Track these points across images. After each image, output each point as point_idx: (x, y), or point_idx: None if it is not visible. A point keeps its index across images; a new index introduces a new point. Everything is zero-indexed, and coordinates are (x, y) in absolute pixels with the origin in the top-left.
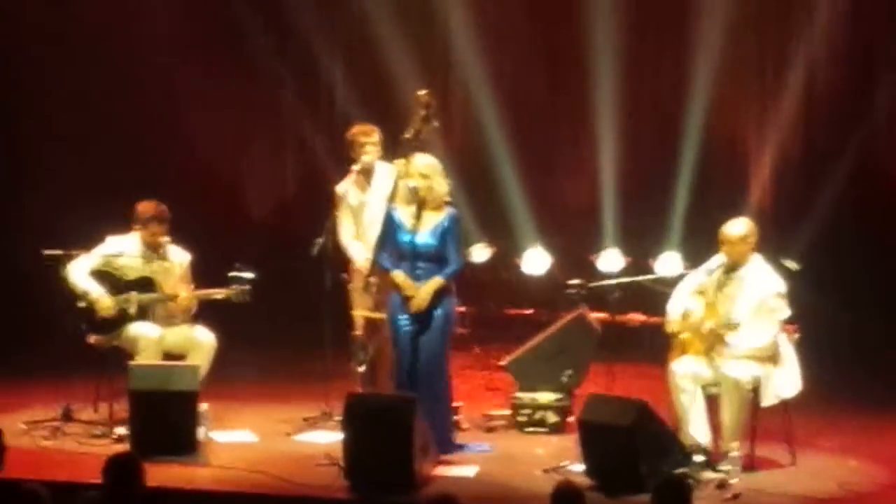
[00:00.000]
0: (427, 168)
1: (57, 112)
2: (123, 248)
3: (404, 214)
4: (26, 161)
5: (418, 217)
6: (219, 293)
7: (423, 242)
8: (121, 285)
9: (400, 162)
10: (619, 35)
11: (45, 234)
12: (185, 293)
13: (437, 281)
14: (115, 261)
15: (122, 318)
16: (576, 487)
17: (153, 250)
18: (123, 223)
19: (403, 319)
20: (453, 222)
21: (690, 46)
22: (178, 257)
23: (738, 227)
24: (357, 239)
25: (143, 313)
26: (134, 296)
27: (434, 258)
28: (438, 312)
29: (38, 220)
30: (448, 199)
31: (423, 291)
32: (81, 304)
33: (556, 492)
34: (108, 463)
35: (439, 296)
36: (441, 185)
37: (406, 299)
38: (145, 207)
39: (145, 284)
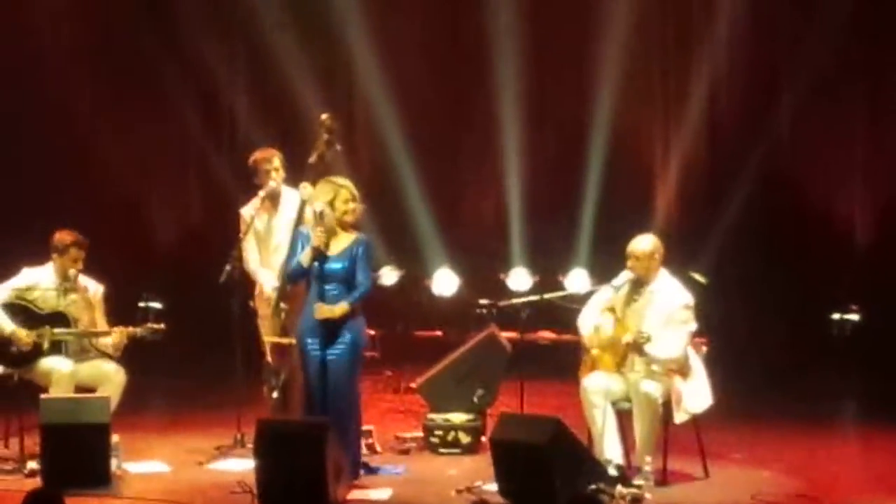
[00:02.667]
0: (335, 190)
1: None
2: (38, 280)
3: (312, 237)
4: None
5: (327, 241)
6: (132, 333)
7: (331, 266)
8: (34, 319)
9: (305, 185)
10: (522, 53)
11: None
12: (102, 326)
13: (343, 306)
14: (29, 294)
15: (34, 352)
16: None
17: (66, 280)
18: (29, 253)
19: (312, 344)
20: (364, 247)
21: (594, 63)
22: (92, 288)
23: (645, 243)
24: (263, 264)
25: (56, 347)
26: (48, 330)
27: (343, 281)
28: (347, 336)
29: None
30: (354, 220)
31: (330, 308)
32: None
33: None
34: (26, 499)
35: (347, 319)
36: (350, 208)
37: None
38: (63, 236)
39: (59, 319)
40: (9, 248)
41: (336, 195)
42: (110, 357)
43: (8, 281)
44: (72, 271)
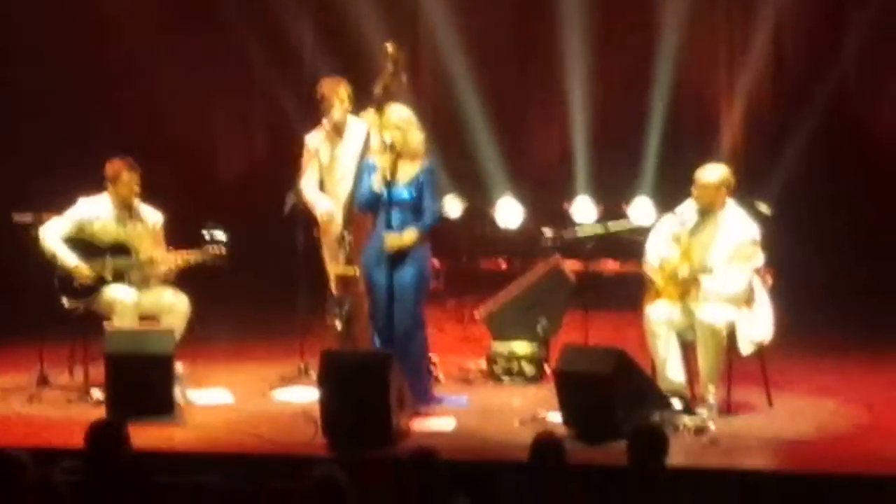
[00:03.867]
0: (402, 120)
1: (18, 75)
2: (96, 210)
3: (380, 166)
4: None
5: (394, 169)
6: (195, 255)
7: (399, 194)
8: (95, 250)
9: (370, 114)
10: None
11: (13, 197)
12: (161, 255)
13: (412, 232)
14: (89, 226)
15: (97, 283)
16: (555, 438)
17: (126, 210)
18: (91, 184)
19: (378, 274)
20: (429, 174)
21: None
22: (151, 217)
23: (714, 174)
24: (327, 194)
25: (119, 277)
26: (109, 261)
27: (411, 208)
28: (412, 266)
29: (5, 184)
30: (423, 150)
31: (399, 237)
32: (57, 270)
33: (536, 442)
34: (90, 430)
35: (413, 249)
36: (416, 137)
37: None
38: (113, 163)
39: (120, 248)
40: (69, 180)
41: (407, 126)
42: (173, 286)
43: (66, 212)
44: (133, 199)
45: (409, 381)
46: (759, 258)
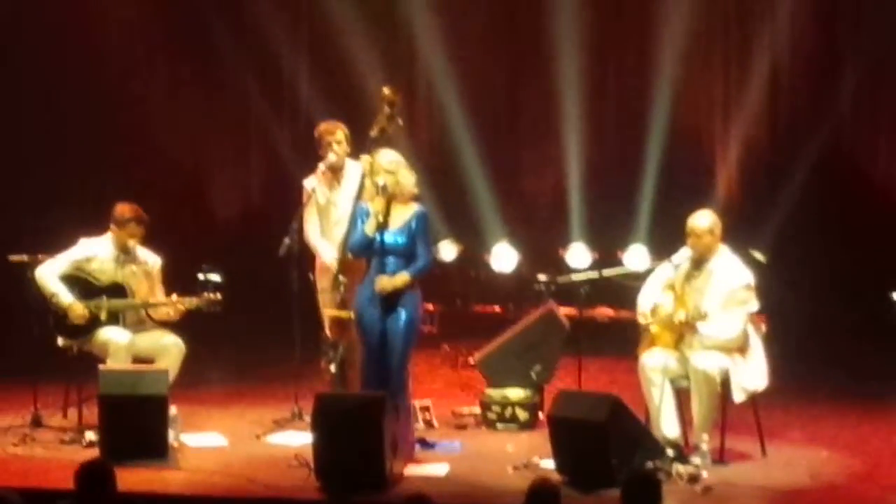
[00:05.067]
0: (392, 164)
1: (21, 116)
2: (96, 250)
3: (372, 211)
4: None
5: (386, 213)
6: (190, 302)
7: (391, 239)
8: (92, 290)
9: (366, 158)
10: (582, 29)
11: (9, 235)
12: (158, 299)
13: (404, 276)
14: (87, 265)
15: (92, 323)
16: (552, 484)
17: (125, 252)
18: (89, 226)
19: (370, 317)
20: (422, 219)
21: (655, 39)
22: (150, 260)
23: (704, 220)
24: (324, 237)
25: (114, 318)
26: (105, 301)
27: (403, 254)
28: (403, 311)
29: (4, 225)
30: (415, 192)
31: (391, 280)
32: (52, 309)
33: (532, 489)
34: (80, 470)
35: (404, 293)
36: (407, 179)
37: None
38: (123, 209)
39: (116, 290)
40: (67, 220)
41: (398, 168)
42: (168, 328)
43: (66, 251)
44: (131, 243)
45: (401, 425)
46: (754, 304)
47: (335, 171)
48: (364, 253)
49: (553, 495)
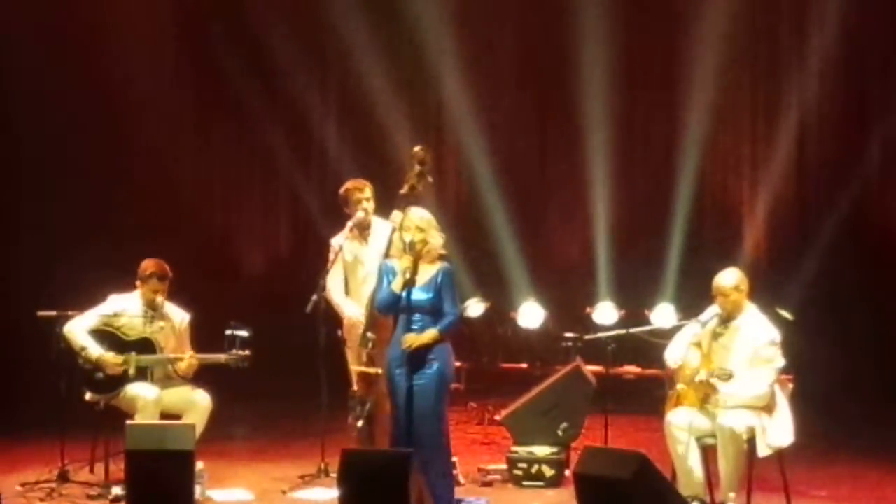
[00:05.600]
0: (423, 221)
1: (46, 169)
2: (124, 307)
3: (399, 268)
4: (14, 217)
5: (414, 271)
6: (217, 359)
7: (418, 296)
8: (120, 345)
9: (398, 213)
10: (611, 90)
11: (34, 290)
12: (187, 354)
13: (432, 332)
14: (116, 321)
15: (120, 378)
16: None
17: (153, 308)
18: (112, 279)
19: (399, 373)
20: (448, 275)
21: (683, 100)
22: (178, 317)
23: (730, 278)
24: (350, 295)
25: (142, 373)
26: (133, 357)
27: (430, 311)
28: (434, 366)
29: (27, 277)
30: (443, 252)
31: (419, 336)
32: (82, 363)
33: None
34: None
35: (434, 349)
36: (436, 239)
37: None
38: (147, 264)
39: (145, 345)
40: (98, 277)
41: (428, 227)
42: (195, 383)
43: (95, 308)
44: (159, 299)
45: (430, 483)
46: (780, 360)
47: (363, 229)
48: (390, 310)
49: None
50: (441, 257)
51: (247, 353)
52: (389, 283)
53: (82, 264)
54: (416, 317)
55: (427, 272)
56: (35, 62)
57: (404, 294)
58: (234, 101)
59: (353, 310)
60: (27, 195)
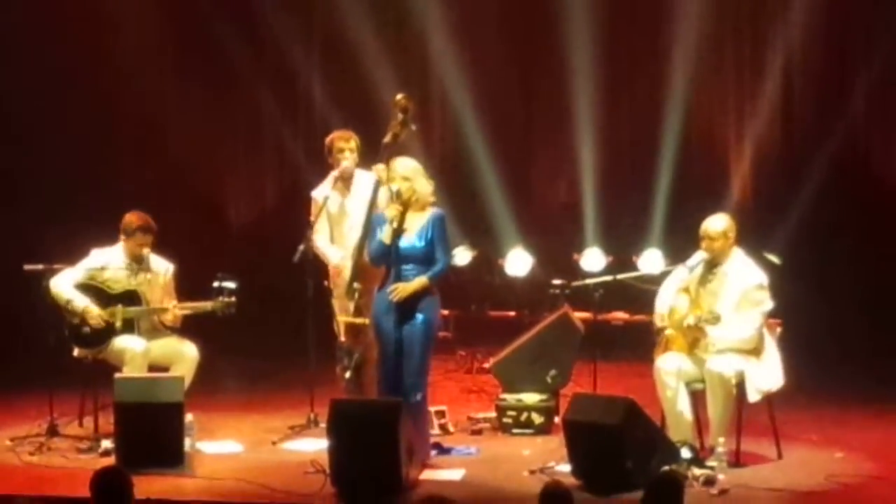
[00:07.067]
0: (409, 170)
1: (34, 126)
2: (108, 260)
3: (389, 217)
4: (4, 176)
5: (402, 220)
6: (204, 306)
7: (409, 245)
8: (106, 298)
9: (380, 167)
10: (595, 35)
11: (25, 247)
12: (171, 305)
13: (421, 280)
14: (100, 274)
15: (107, 332)
16: (564, 488)
17: (137, 262)
18: (104, 235)
19: (387, 323)
20: (439, 221)
21: (668, 42)
22: (162, 267)
23: (718, 223)
24: (336, 244)
25: (129, 326)
26: (119, 309)
27: (421, 260)
28: (420, 316)
29: (18, 235)
30: (432, 199)
31: (408, 285)
32: (68, 317)
33: (544, 493)
34: (95, 477)
35: (422, 299)
36: (424, 186)
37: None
38: (131, 218)
39: (130, 297)
40: (82, 230)
41: (415, 175)
42: (182, 335)
43: (79, 263)
44: (145, 250)
45: (418, 430)
46: (768, 303)
47: (346, 180)
48: (382, 261)
49: (565, 499)
50: (431, 205)
51: (233, 299)
52: (381, 233)
53: (69, 223)
54: (409, 266)
55: (418, 220)
56: (26, 20)
57: (395, 243)
58: (218, 54)
59: (337, 254)
60: (14, 157)
